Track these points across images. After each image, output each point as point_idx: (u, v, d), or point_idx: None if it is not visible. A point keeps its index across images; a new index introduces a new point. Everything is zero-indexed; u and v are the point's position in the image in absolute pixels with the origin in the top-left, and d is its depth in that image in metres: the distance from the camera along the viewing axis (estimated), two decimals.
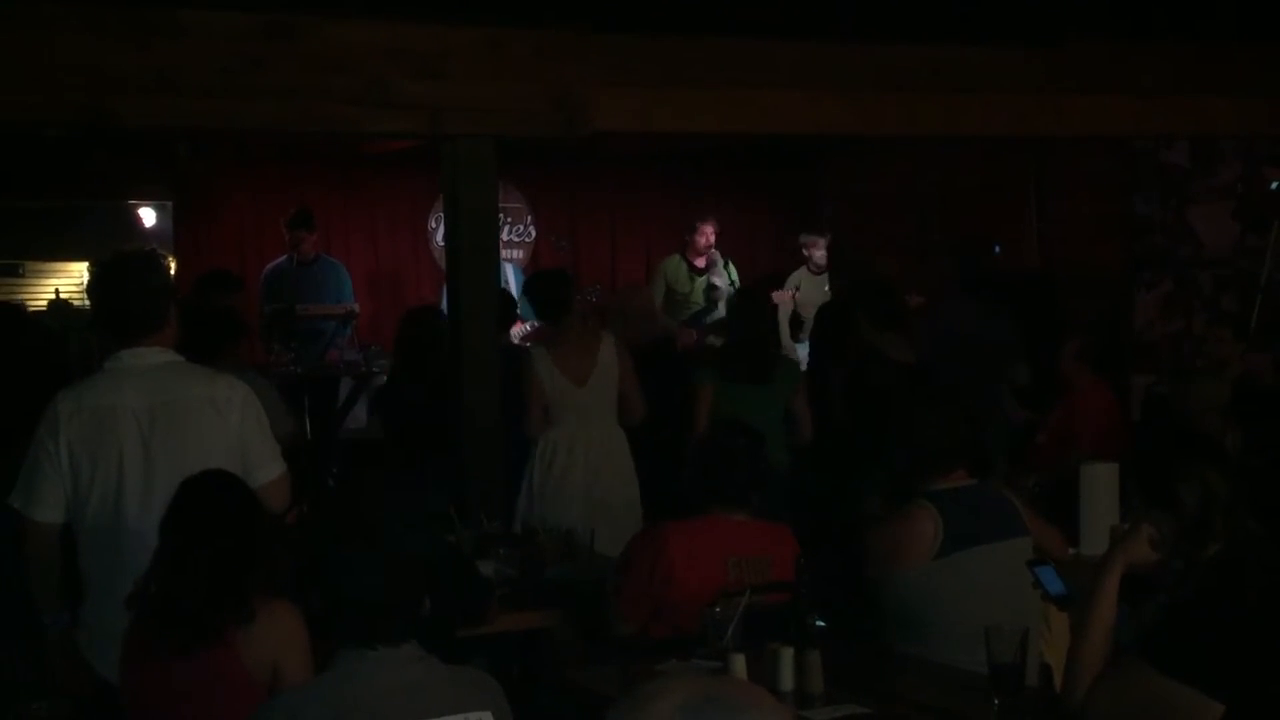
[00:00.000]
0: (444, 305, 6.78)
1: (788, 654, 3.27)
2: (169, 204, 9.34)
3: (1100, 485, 4.76)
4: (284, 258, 8.46)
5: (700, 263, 8.68)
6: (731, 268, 8.71)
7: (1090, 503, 4.74)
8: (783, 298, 8.64)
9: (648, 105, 5.75)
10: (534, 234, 10.41)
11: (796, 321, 8.73)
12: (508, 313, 6.83)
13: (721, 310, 8.22)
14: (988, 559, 3.65)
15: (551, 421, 5.64)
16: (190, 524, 3.11)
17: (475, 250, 5.62)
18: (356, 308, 8.50)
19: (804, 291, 8.86)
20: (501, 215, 9.27)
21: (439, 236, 9.55)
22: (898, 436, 3.82)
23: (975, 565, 3.62)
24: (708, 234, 8.66)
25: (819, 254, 9.06)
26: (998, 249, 8.54)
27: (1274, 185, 7.78)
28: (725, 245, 8.80)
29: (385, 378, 6.97)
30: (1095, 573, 2.98)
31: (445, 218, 5.91)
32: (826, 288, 8.87)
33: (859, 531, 3.88)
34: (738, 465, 3.97)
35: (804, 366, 6.64)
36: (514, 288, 8.65)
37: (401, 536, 2.52)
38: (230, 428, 3.65)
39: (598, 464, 5.60)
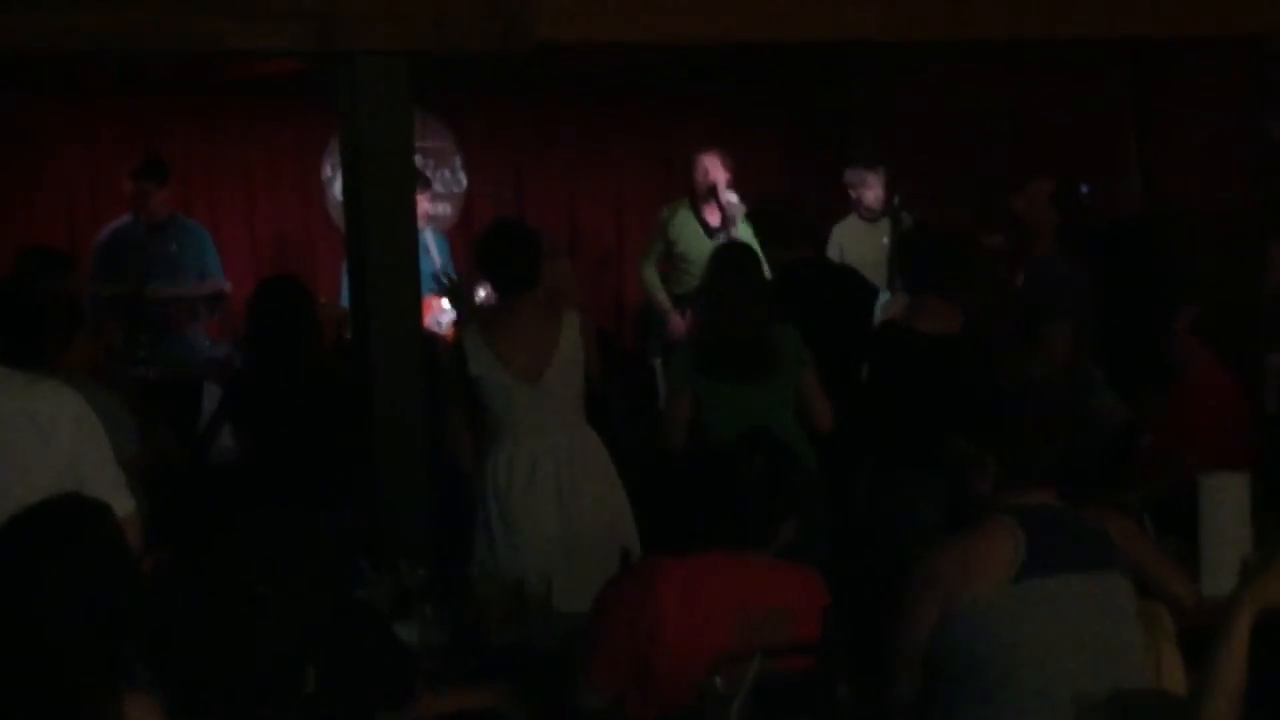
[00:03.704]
0: (345, 281, 6.78)
1: None
2: None
3: (1226, 501, 4.79)
4: (126, 219, 8.44)
5: (714, 218, 8.62)
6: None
7: (1213, 525, 4.77)
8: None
9: (610, 7, 5.74)
10: (465, 182, 10.41)
11: None
12: None
13: None
14: (1075, 591, 3.69)
15: (493, 433, 5.62)
16: (21, 587, 3.03)
17: (384, 204, 5.62)
18: (227, 286, 8.47)
19: (855, 245, 8.77)
20: (420, 158, 9.32)
21: (336, 188, 9.54)
22: (974, 438, 3.86)
23: (1059, 596, 3.66)
24: (708, 170, 8.52)
25: (871, 195, 8.96)
26: (1085, 190, 8.56)
27: None
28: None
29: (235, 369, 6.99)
30: (1220, 618, 3.00)
31: (343, 163, 5.90)
32: (885, 239, 8.74)
33: (902, 560, 3.90)
34: (753, 494, 4.00)
35: None
36: (435, 257, 8.64)
37: (270, 595, 2.53)
38: (57, 451, 3.64)
39: (570, 482, 5.61)
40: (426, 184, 9.05)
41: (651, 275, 8.78)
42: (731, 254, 6.29)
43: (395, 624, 4.39)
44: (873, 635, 3.97)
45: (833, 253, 8.87)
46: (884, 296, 7.46)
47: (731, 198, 8.56)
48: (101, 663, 2.94)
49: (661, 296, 8.67)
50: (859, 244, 8.80)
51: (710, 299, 5.99)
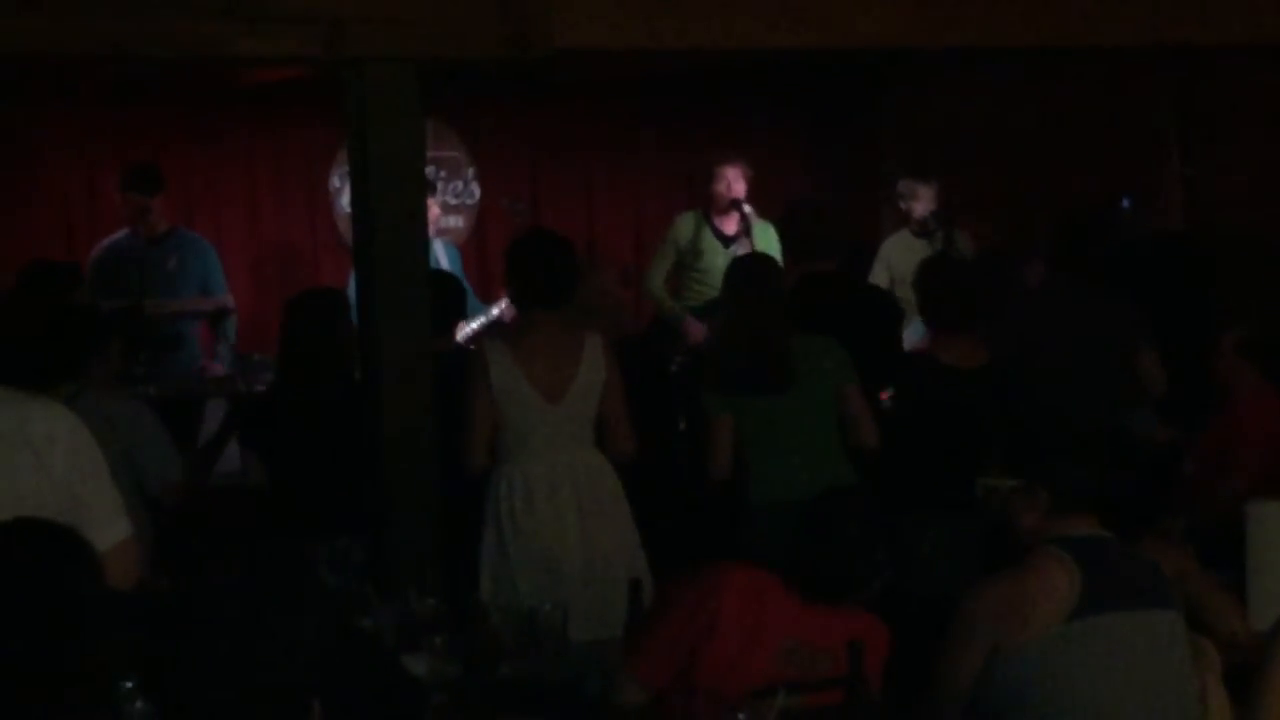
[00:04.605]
0: (352, 294, 6.80)
1: None
2: None
3: (1274, 531, 4.78)
4: (123, 233, 8.46)
5: (729, 227, 8.66)
6: (771, 234, 8.67)
7: (1260, 556, 4.76)
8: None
9: (629, 13, 5.75)
10: (478, 194, 10.42)
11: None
12: (455, 306, 6.80)
13: None
14: (1129, 630, 3.70)
15: (509, 451, 5.61)
16: None
17: (394, 217, 5.62)
18: (231, 302, 8.49)
19: (904, 261, 8.63)
20: (432, 169, 9.34)
21: (344, 200, 9.55)
22: (1021, 469, 3.87)
23: (1113, 635, 3.68)
24: (730, 181, 8.59)
25: (921, 207, 8.91)
26: (1127, 204, 8.55)
27: None
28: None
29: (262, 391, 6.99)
30: (1262, 654, 2.99)
31: (352, 174, 5.91)
32: None
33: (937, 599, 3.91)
34: (836, 560, 4.03)
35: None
36: (446, 270, 8.66)
37: (273, 625, 2.52)
38: (53, 473, 3.64)
39: (590, 505, 5.60)
40: (432, 189, 9.08)
41: (659, 288, 8.77)
42: (749, 265, 6.35)
43: (403, 655, 4.39)
44: (903, 673, 3.97)
45: (880, 267, 8.87)
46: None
47: (746, 207, 8.60)
48: (80, 693, 2.94)
49: (671, 304, 8.68)
50: (908, 259, 8.50)
51: (730, 310, 6.01)
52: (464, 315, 7.08)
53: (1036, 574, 3.73)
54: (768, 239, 8.49)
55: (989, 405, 5.79)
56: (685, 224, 8.73)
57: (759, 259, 6.60)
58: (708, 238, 8.63)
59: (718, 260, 8.42)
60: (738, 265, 6.33)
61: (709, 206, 8.68)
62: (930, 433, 5.83)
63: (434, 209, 8.88)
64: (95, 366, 5.51)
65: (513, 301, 5.93)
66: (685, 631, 3.96)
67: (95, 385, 5.42)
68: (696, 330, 8.40)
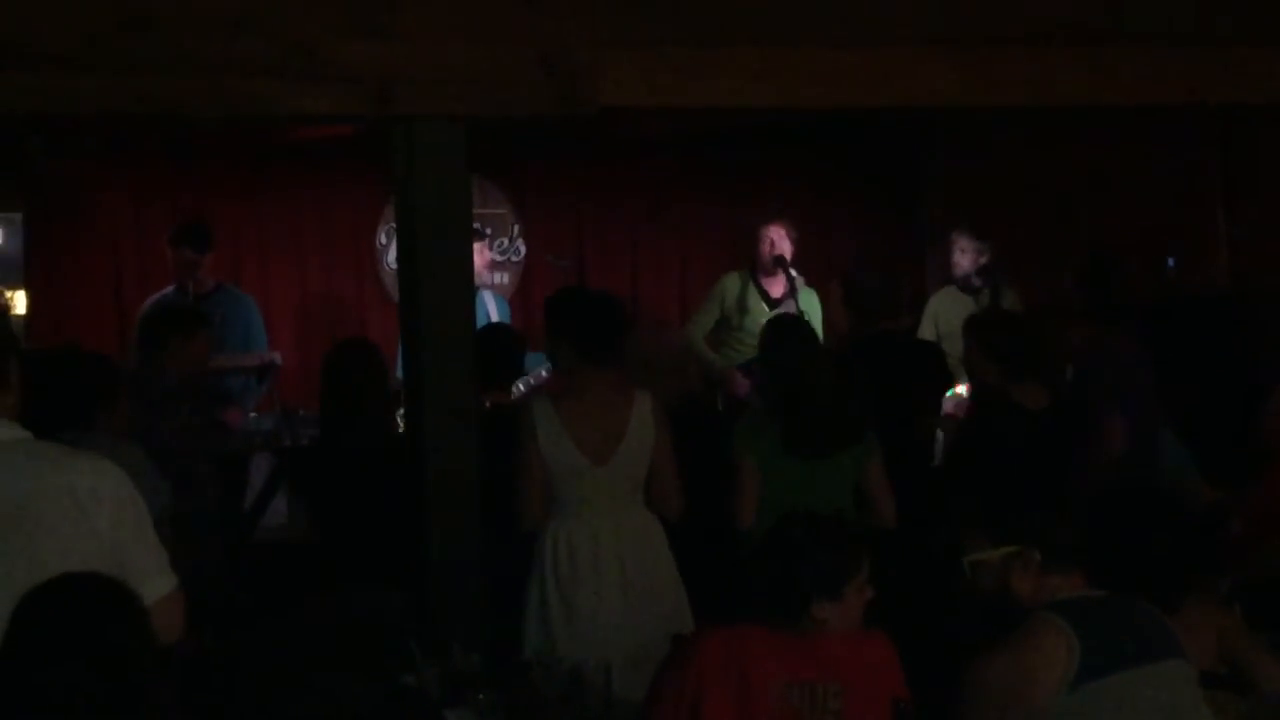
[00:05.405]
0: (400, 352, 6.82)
1: None
2: (17, 217, 9.44)
3: None
4: (171, 289, 8.52)
5: (776, 289, 8.66)
6: (813, 298, 8.66)
7: None
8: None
9: (675, 72, 5.76)
10: (524, 251, 10.44)
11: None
12: (512, 360, 6.79)
13: None
14: (1136, 687, 3.67)
15: (557, 510, 5.60)
16: (39, 665, 3.07)
17: (441, 273, 5.64)
18: (278, 358, 8.52)
19: (949, 316, 8.57)
20: (479, 226, 9.37)
21: (391, 256, 9.60)
22: (1010, 534, 3.85)
23: (1120, 696, 3.64)
24: (773, 240, 8.63)
25: (966, 261, 8.82)
26: (1171, 264, 8.53)
27: None
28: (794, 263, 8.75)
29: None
30: None
31: (399, 230, 5.93)
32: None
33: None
34: (794, 569, 4.00)
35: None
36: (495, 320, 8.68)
37: (319, 681, 2.52)
38: (100, 528, 3.64)
39: (634, 566, 5.57)
40: (480, 235, 9.11)
41: (700, 343, 8.77)
42: (794, 327, 6.34)
43: (447, 711, 4.38)
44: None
45: (927, 322, 8.84)
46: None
47: (793, 275, 8.60)
48: None
49: (714, 358, 8.66)
50: (952, 315, 8.51)
51: (792, 373, 5.95)
52: (521, 371, 7.06)
53: (1033, 647, 3.69)
54: (811, 304, 8.49)
55: (1058, 444, 5.81)
56: (732, 283, 8.76)
57: (795, 320, 6.61)
58: (753, 298, 8.66)
59: (762, 321, 8.45)
60: (779, 328, 6.35)
61: (754, 267, 8.70)
62: (999, 470, 5.84)
63: (485, 254, 8.93)
64: (103, 416, 5.47)
65: (555, 360, 5.89)
66: (676, 710, 3.91)
67: (97, 434, 5.38)
68: (741, 384, 8.39)
